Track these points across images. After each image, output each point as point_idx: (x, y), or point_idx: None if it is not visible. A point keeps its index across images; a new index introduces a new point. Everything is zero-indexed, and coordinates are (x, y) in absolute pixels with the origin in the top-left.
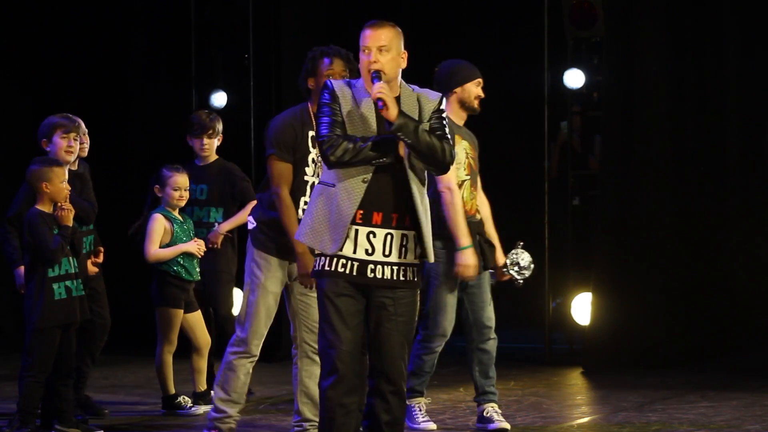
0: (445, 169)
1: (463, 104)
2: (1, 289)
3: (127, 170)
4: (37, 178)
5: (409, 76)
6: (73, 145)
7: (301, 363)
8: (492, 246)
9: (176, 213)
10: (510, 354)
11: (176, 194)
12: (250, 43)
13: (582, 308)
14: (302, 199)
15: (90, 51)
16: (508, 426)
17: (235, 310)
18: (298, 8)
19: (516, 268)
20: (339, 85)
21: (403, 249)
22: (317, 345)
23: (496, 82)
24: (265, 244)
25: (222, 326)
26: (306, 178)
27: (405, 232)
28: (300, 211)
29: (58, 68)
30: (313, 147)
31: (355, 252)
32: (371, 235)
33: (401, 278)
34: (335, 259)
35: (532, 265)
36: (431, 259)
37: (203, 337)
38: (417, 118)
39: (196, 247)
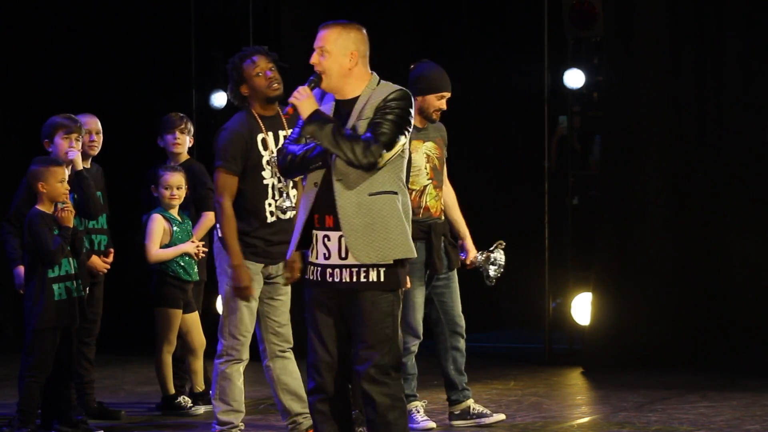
0: (365, 168)
1: (422, 112)
2: (0, 289)
3: (126, 170)
4: (34, 178)
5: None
6: (74, 145)
7: (273, 363)
8: (455, 246)
9: (175, 213)
10: (510, 354)
11: (167, 193)
12: (250, 43)
13: (582, 308)
14: (266, 202)
15: (90, 51)
16: (503, 416)
17: None
18: (298, 8)
19: (492, 267)
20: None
21: (337, 248)
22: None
23: (496, 82)
24: (241, 251)
25: None
26: (265, 181)
27: (338, 232)
28: (268, 214)
29: (58, 68)
30: (265, 149)
31: (317, 257)
32: (326, 239)
33: (362, 280)
34: (308, 267)
35: (503, 270)
36: (361, 259)
37: (199, 339)
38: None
39: (194, 247)
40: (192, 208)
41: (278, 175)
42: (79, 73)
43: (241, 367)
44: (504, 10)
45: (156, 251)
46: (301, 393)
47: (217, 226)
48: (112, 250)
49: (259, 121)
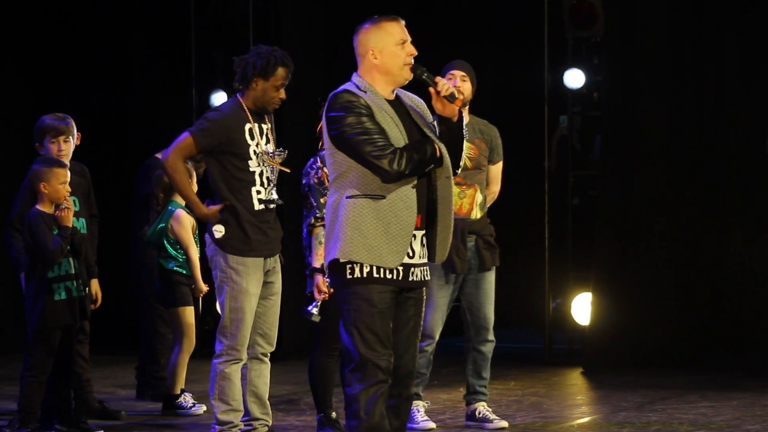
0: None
1: None
2: (1, 289)
3: (126, 170)
4: (36, 178)
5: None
6: (63, 148)
7: (251, 364)
8: (493, 247)
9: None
10: (510, 354)
11: None
12: (250, 43)
13: (582, 308)
14: (253, 189)
15: (90, 51)
16: (506, 424)
17: None
18: (298, 8)
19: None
20: (357, 94)
21: (424, 249)
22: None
23: (496, 82)
24: (239, 248)
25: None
26: (252, 169)
27: (423, 231)
28: (255, 201)
29: (58, 68)
30: (252, 139)
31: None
32: (413, 238)
33: (425, 279)
34: (377, 267)
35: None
36: (437, 260)
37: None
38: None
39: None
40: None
41: (266, 164)
42: (80, 74)
43: (240, 367)
44: (504, 10)
45: (192, 251)
46: (266, 399)
47: (216, 227)
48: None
49: (248, 112)
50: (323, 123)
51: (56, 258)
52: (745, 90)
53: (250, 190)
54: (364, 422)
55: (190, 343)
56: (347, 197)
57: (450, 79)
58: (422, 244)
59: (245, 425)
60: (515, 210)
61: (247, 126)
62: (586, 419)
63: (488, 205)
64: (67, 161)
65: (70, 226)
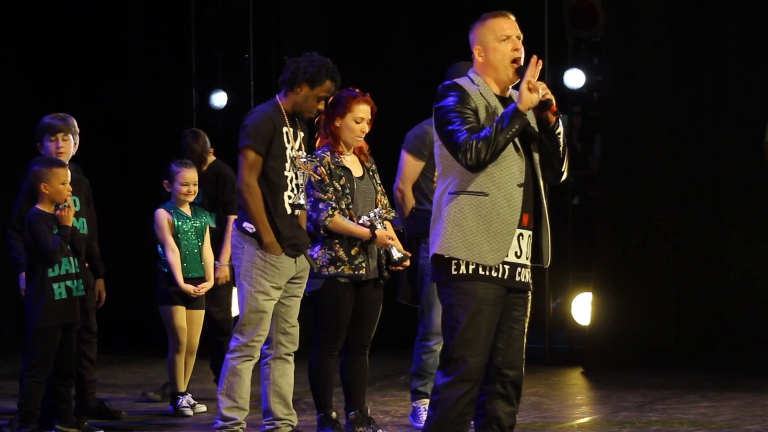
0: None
1: None
2: (1, 289)
3: (126, 170)
4: (36, 179)
5: (411, 75)
6: (62, 146)
7: (274, 364)
8: None
9: (185, 209)
10: None
11: (184, 189)
12: (250, 43)
13: (582, 308)
14: (285, 194)
15: (90, 51)
16: None
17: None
18: (298, 8)
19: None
20: (464, 86)
21: (529, 249)
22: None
23: None
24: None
25: (220, 328)
26: (286, 173)
27: (530, 231)
28: (287, 206)
29: (58, 68)
30: (288, 143)
31: (507, 255)
32: (520, 237)
33: (530, 280)
34: (485, 266)
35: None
36: (545, 262)
37: (194, 339)
38: None
39: (193, 290)
40: (219, 211)
41: (298, 169)
42: (80, 74)
43: (252, 365)
44: (504, 9)
45: (168, 251)
46: (290, 400)
47: (247, 224)
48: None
49: (285, 115)
50: None
51: (56, 257)
52: (745, 90)
53: (283, 194)
54: (440, 417)
55: (177, 343)
56: (449, 193)
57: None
58: (528, 244)
59: (268, 424)
60: None
61: (284, 129)
62: (586, 419)
63: None
64: (66, 159)
65: (70, 225)
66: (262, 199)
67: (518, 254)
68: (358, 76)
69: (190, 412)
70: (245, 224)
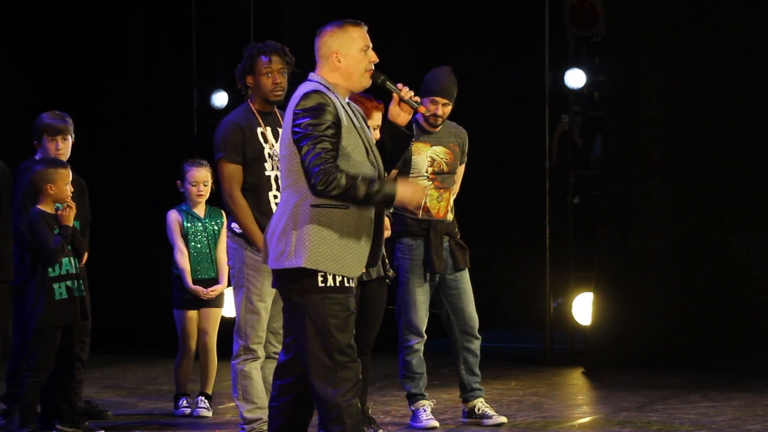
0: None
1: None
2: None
3: (126, 170)
4: (41, 179)
5: (411, 74)
6: (61, 147)
7: (263, 363)
8: (464, 248)
9: (200, 209)
10: (511, 354)
11: (194, 189)
12: (251, 43)
13: (583, 308)
14: (270, 194)
15: (91, 50)
16: (505, 419)
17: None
18: (298, 8)
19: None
20: (328, 96)
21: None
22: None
23: (497, 82)
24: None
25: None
26: (267, 173)
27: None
28: (273, 206)
29: (58, 68)
30: (265, 142)
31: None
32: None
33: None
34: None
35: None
36: (372, 265)
37: (210, 338)
38: None
39: (202, 292)
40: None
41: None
42: (80, 73)
43: (258, 364)
44: (505, 9)
45: (177, 253)
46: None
47: (235, 225)
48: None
49: (258, 116)
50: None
51: (57, 257)
52: (745, 89)
53: (266, 194)
54: (350, 426)
55: (184, 347)
56: (312, 205)
57: (434, 105)
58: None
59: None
60: (516, 210)
61: (259, 130)
62: (587, 419)
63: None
64: (65, 159)
65: (71, 225)
66: (247, 205)
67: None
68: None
69: (188, 412)
70: (233, 225)
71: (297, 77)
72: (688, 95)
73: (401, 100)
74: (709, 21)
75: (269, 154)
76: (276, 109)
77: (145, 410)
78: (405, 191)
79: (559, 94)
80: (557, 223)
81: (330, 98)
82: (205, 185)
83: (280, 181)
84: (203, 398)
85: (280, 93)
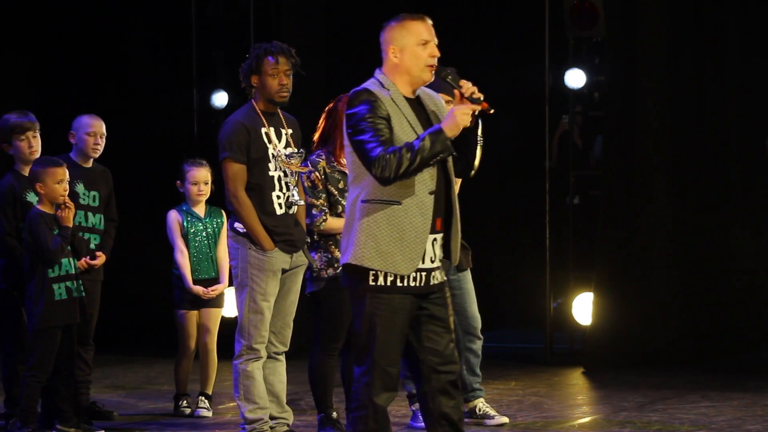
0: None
1: None
2: None
3: (126, 170)
4: (33, 179)
5: None
6: (33, 144)
7: (264, 363)
8: (466, 248)
9: (201, 209)
10: (511, 354)
11: (194, 189)
12: (251, 43)
13: (583, 308)
14: (273, 194)
15: (90, 51)
16: (506, 420)
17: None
18: (298, 8)
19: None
20: (377, 93)
21: (440, 250)
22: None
23: (497, 82)
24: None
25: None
26: (270, 173)
27: (442, 233)
28: (276, 206)
29: (58, 68)
30: (269, 142)
31: (424, 262)
32: (434, 242)
33: (444, 279)
34: (403, 276)
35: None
36: (454, 261)
37: (210, 338)
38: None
39: (203, 292)
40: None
41: (283, 168)
42: (80, 73)
43: (260, 363)
44: (505, 9)
45: (177, 253)
46: (283, 398)
47: (238, 225)
48: (99, 253)
49: (261, 116)
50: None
51: (57, 258)
52: (745, 89)
53: (270, 195)
54: (372, 429)
55: (184, 347)
56: (362, 201)
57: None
58: (441, 246)
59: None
60: (516, 209)
61: (263, 130)
62: (587, 419)
63: None
64: (37, 156)
65: (71, 226)
66: (251, 204)
67: (432, 259)
68: (358, 76)
69: (189, 412)
70: (236, 224)
71: (301, 79)
72: (687, 95)
73: (463, 96)
74: (709, 21)
75: (273, 154)
76: (279, 111)
77: (146, 410)
78: (451, 124)
79: (559, 94)
80: (557, 223)
81: (377, 94)
82: (206, 185)
83: (283, 182)
84: (203, 398)
85: (285, 94)
